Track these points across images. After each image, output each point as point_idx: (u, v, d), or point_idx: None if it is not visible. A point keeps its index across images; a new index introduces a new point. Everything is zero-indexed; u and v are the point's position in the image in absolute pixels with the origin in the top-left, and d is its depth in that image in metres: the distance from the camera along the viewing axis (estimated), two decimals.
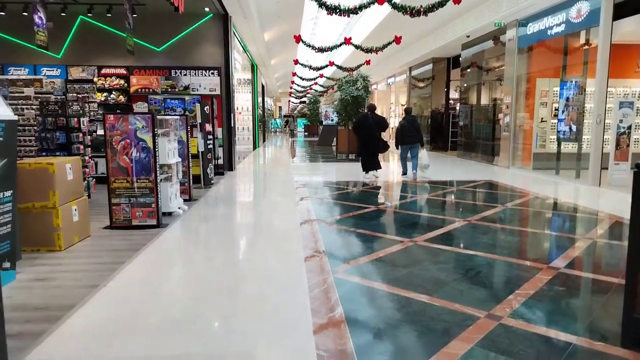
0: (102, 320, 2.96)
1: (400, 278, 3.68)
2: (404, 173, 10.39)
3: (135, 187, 5.40)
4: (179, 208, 6.35)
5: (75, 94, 10.86)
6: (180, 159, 6.56)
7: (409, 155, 10.42)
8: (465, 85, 15.98)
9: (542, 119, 11.56)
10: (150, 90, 10.91)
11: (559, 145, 10.59)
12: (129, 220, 5.44)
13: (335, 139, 17.47)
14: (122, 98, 10.98)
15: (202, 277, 3.84)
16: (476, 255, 4.33)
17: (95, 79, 10.93)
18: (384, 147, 10.45)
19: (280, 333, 2.77)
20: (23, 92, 10.60)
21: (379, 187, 9.12)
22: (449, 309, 3.07)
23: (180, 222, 5.83)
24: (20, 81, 10.63)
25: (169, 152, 6.09)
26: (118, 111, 8.38)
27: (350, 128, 15.29)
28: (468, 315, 2.96)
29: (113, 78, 10.97)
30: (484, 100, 14.77)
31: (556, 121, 10.68)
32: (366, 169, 10.28)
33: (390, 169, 12.93)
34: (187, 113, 10.64)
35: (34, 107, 8.43)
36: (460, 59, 15.73)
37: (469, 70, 15.35)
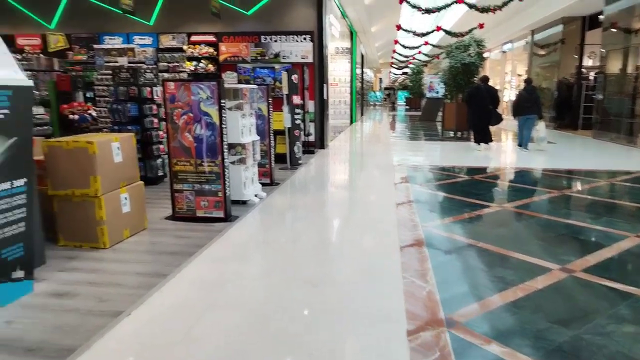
0: None
1: (566, 349, 2.26)
2: (520, 145, 10.17)
3: (200, 171, 4.49)
4: (255, 195, 5.39)
5: (166, 64, 10.50)
6: (258, 137, 5.56)
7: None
8: (606, 50, 13.10)
9: None
10: (240, 58, 10.11)
11: None
12: (193, 211, 4.57)
13: (441, 114, 15.59)
14: (211, 67, 10.35)
15: (259, 311, 2.76)
16: None
17: (185, 47, 10.40)
18: (497, 119, 10.42)
19: None
20: (117, 62, 10.45)
21: (497, 176, 7.44)
22: None
23: (253, 214, 4.85)
24: (114, 50, 10.46)
25: (242, 128, 5.09)
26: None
27: (459, 101, 13.48)
28: None
29: (202, 46, 10.36)
30: (632, 69, 11.93)
31: None
32: (477, 141, 10.41)
33: (507, 148, 10.97)
34: (276, 83, 9.75)
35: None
36: (601, 17, 12.85)
37: (613, 31, 12.48)
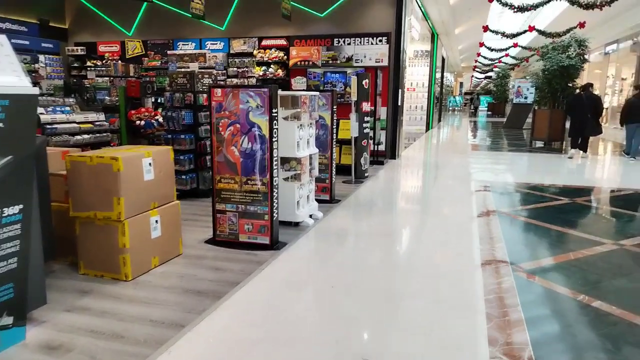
0: None
1: None
2: (627, 153, 9.65)
3: (245, 190, 3.90)
4: (310, 216, 4.73)
5: (235, 69, 10.23)
6: (317, 151, 4.89)
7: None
8: None
9: None
10: (310, 62, 9.56)
11: None
12: (235, 235, 3.99)
13: (530, 121, 14.05)
14: (280, 72, 9.91)
15: None
16: None
17: (254, 52, 10.06)
18: (596, 130, 9.78)
19: None
20: (189, 67, 10.34)
21: (604, 199, 6.17)
22: None
23: (303, 241, 4.16)
24: (186, 56, 10.37)
25: (299, 141, 4.44)
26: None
27: (551, 108, 12.02)
28: None
29: (272, 50, 9.95)
30: None
31: None
32: (573, 147, 10.00)
33: (610, 162, 9.39)
34: (347, 89, 9.09)
35: None
36: None
37: None
